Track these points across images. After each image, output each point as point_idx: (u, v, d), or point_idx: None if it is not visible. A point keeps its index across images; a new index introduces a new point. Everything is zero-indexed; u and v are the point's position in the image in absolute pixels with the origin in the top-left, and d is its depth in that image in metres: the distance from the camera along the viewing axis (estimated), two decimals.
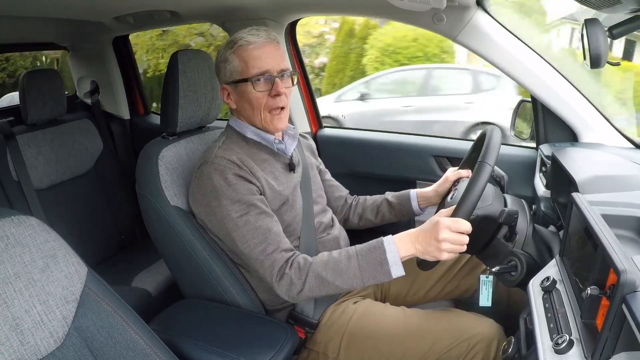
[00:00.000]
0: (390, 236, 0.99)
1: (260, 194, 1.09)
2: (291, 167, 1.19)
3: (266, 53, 1.10)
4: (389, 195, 1.42)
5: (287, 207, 1.16)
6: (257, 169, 1.10)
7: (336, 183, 1.46)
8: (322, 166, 1.44)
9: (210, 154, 1.10)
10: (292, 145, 1.21)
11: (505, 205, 1.14)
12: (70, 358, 0.76)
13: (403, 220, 1.72)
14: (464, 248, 0.95)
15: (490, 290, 1.16)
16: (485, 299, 1.16)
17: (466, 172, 1.28)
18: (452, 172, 1.31)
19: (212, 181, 1.06)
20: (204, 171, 1.08)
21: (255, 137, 1.17)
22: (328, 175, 1.45)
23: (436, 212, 1.18)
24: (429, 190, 1.36)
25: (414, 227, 1.70)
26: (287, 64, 1.15)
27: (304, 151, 1.35)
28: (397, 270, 0.97)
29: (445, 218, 0.95)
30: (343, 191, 1.46)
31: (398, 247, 0.97)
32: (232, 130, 1.19)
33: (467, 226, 0.94)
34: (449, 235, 0.92)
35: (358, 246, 1.01)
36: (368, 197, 1.46)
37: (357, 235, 1.50)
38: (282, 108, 1.12)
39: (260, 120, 1.13)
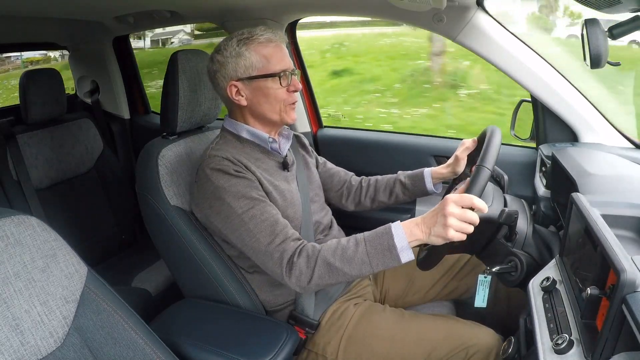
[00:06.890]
0: (397, 222, 0.98)
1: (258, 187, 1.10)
2: (285, 165, 1.20)
3: (284, 51, 1.15)
4: (402, 175, 1.40)
5: (286, 203, 1.15)
6: (251, 165, 1.11)
7: (337, 169, 1.46)
8: (320, 160, 1.44)
9: (204, 156, 1.13)
10: (286, 145, 1.23)
11: (505, 205, 1.14)
12: (70, 358, 0.76)
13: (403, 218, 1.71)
14: (471, 228, 0.91)
15: (487, 291, 1.14)
16: (480, 299, 1.14)
17: (472, 142, 1.28)
18: (460, 151, 1.30)
19: (211, 180, 1.07)
20: (200, 174, 1.10)
21: (250, 136, 1.18)
22: (328, 165, 1.45)
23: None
24: (443, 167, 1.35)
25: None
26: None
27: (299, 150, 1.35)
28: (406, 255, 0.95)
29: (452, 194, 0.93)
30: (346, 174, 1.46)
31: (405, 232, 0.95)
32: (225, 132, 1.20)
33: (474, 201, 0.91)
34: (456, 209, 0.90)
35: (366, 233, 1.00)
36: (379, 177, 1.44)
37: None
38: (295, 102, 1.18)
39: (279, 112, 1.15)
